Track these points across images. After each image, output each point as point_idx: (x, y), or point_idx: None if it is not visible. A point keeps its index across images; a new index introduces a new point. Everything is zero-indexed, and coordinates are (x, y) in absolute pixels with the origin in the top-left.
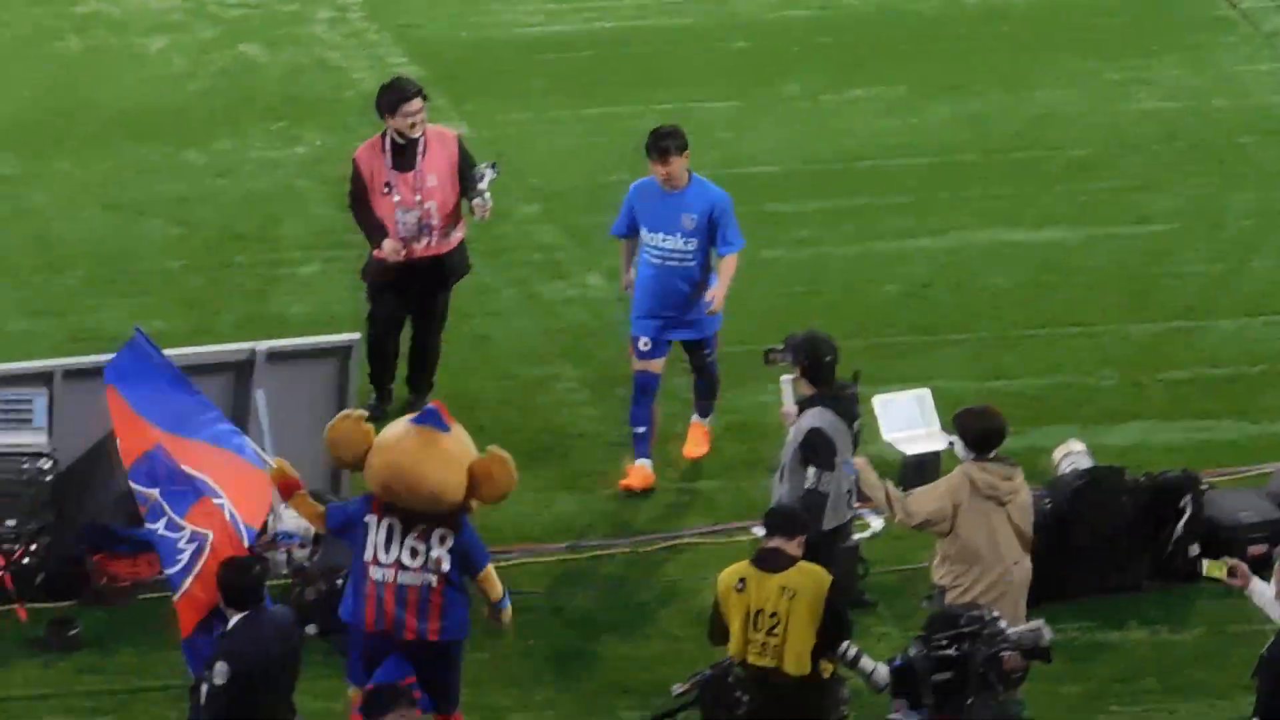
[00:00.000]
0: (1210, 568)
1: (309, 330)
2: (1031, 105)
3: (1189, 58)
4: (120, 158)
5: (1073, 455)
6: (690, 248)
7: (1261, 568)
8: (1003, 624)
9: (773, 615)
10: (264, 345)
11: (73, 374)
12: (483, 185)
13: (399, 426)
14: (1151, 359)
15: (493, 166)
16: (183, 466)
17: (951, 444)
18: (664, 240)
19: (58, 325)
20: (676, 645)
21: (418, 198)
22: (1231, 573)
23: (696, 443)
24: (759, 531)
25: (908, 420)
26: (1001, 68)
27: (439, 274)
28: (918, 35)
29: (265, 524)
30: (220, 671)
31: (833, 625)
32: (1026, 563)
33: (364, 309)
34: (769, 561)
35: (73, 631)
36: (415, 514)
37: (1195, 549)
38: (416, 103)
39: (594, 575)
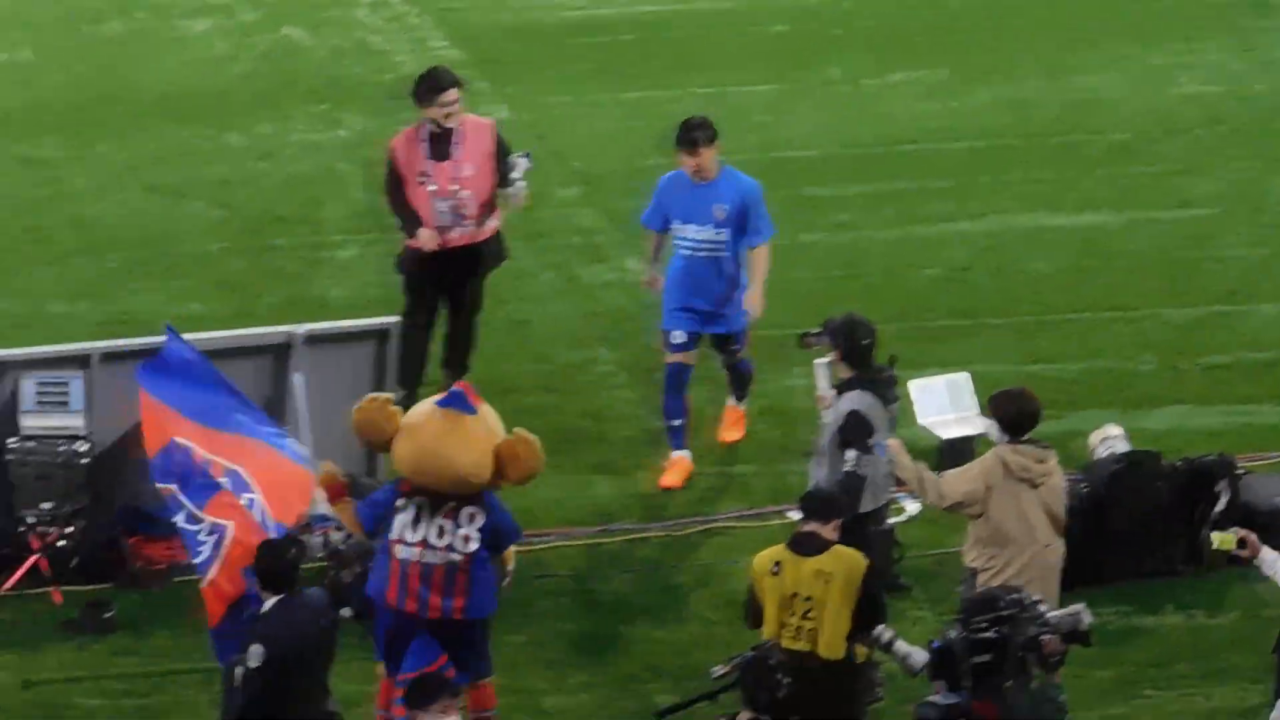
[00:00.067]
0: (1220, 540)
1: (348, 313)
2: (1073, 89)
3: (1231, 42)
4: (161, 140)
5: (1110, 440)
6: (722, 238)
7: None
8: (1043, 607)
9: (808, 599)
10: (303, 328)
11: (110, 357)
12: (516, 174)
13: (425, 409)
14: (1191, 343)
15: (527, 156)
16: (213, 457)
17: (988, 430)
18: (696, 231)
19: (96, 308)
20: (711, 629)
21: (453, 187)
22: (1241, 544)
23: (732, 426)
24: (794, 515)
25: (945, 404)
26: (1043, 51)
27: (474, 263)
28: (959, 19)
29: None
30: (255, 654)
31: (868, 609)
32: (1059, 545)
33: (402, 294)
34: (804, 545)
35: (108, 614)
36: (444, 494)
37: None
38: (452, 93)
39: (629, 558)
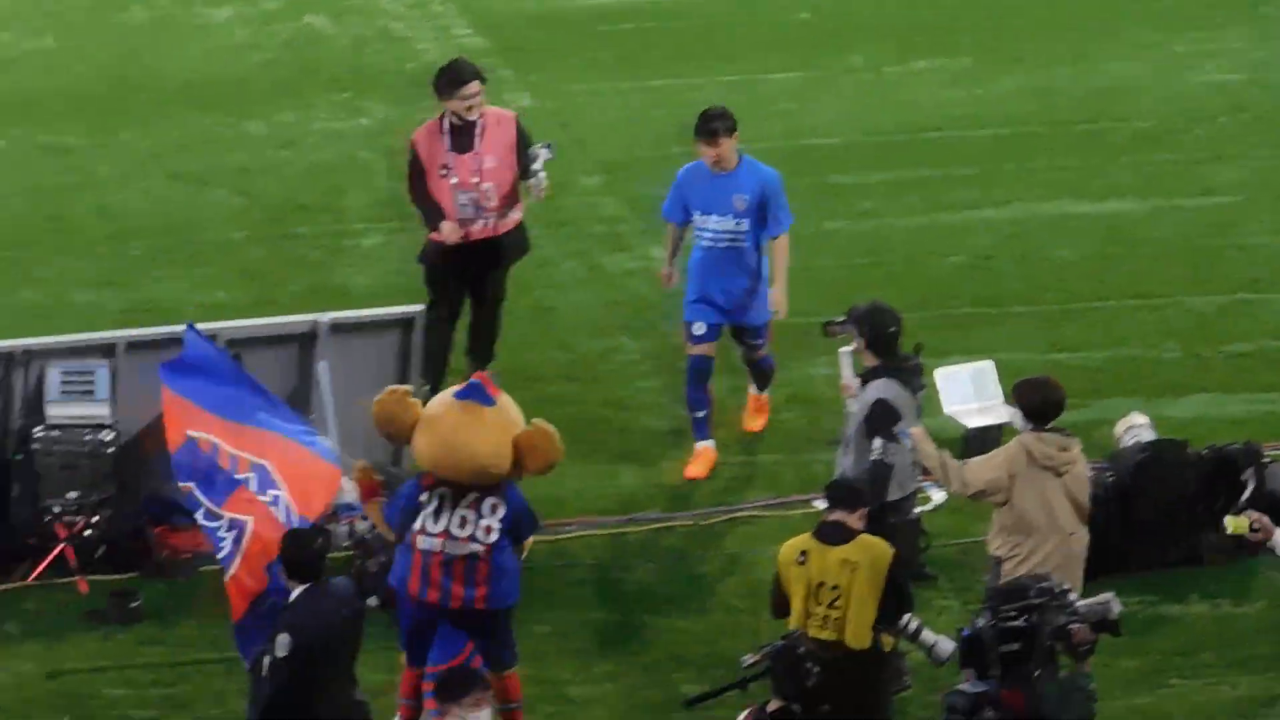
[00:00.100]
0: (1232, 525)
1: (372, 301)
2: (1097, 77)
3: (1255, 30)
4: (184, 128)
5: (1135, 428)
6: (742, 228)
7: None
8: (1072, 596)
9: (834, 588)
10: (327, 317)
11: (136, 346)
12: (537, 166)
13: (444, 401)
14: (1215, 331)
15: (548, 147)
16: (238, 452)
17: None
18: (716, 222)
19: (121, 296)
20: (736, 618)
21: (475, 179)
22: (1253, 528)
23: (754, 414)
24: (820, 504)
25: (970, 393)
26: (1067, 39)
27: (496, 255)
28: (983, 6)
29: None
30: (283, 643)
31: (894, 598)
32: (1083, 534)
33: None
34: (830, 534)
35: (134, 604)
36: (466, 485)
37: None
38: (474, 85)
39: (654, 548)
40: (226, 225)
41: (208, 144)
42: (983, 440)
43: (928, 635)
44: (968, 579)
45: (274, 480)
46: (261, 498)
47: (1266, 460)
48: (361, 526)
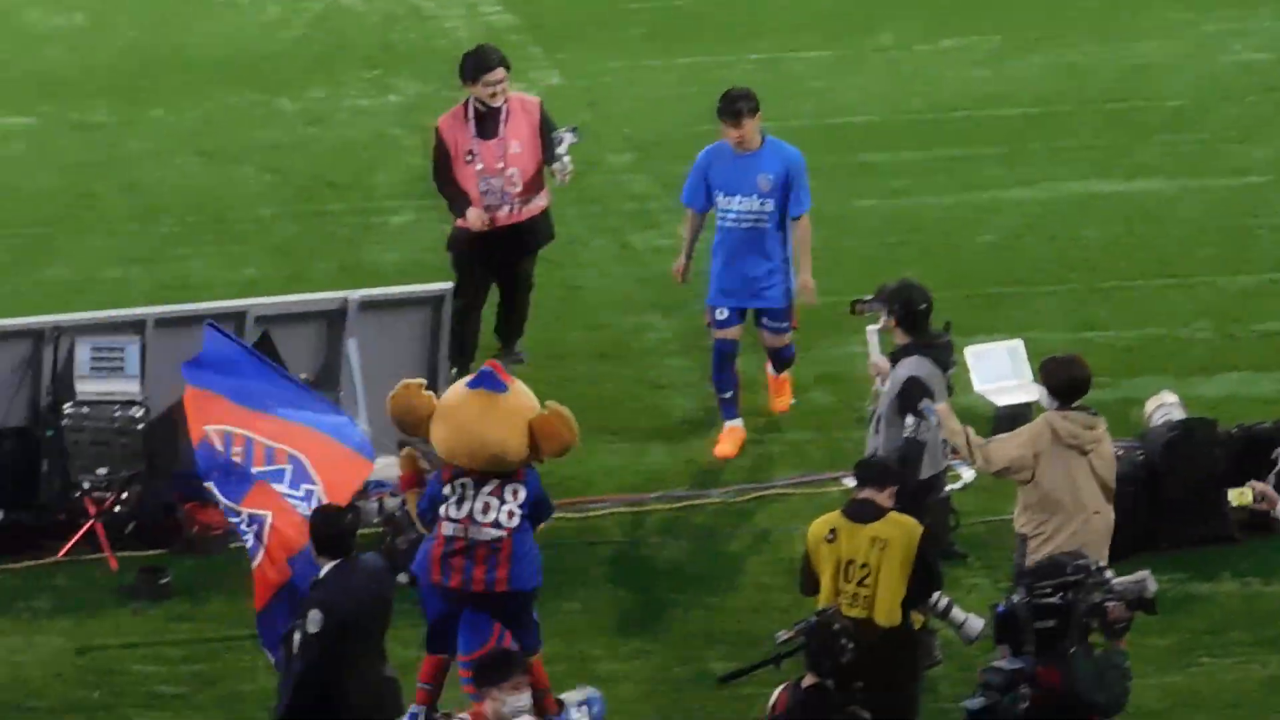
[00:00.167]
0: (1236, 497)
1: (401, 279)
2: (1127, 56)
3: None
4: (214, 105)
5: (1165, 407)
6: (767, 209)
7: None
8: (1108, 574)
9: (863, 566)
10: (357, 294)
11: (165, 322)
12: (562, 150)
13: (458, 391)
14: (1245, 310)
15: (573, 131)
16: (272, 443)
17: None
18: (740, 203)
19: (150, 273)
20: (766, 596)
21: (500, 165)
22: (1258, 498)
23: (779, 395)
24: (850, 482)
25: (1000, 372)
26: (1097, 18)
27: (523, 241)
28: None
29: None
30: (314, 619)
31: (924, 576)
32: (1108, 512)
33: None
34: (860, 512)
35: (163, 580)
36: (485, 472)
37: None
38: (499, 72)
39: (684, 525)
40: (256, 202)
41: (238, 121)
42: (1013, 419)
43: (957, 613)
44: (997, 557)
45: (309, 474)
46: (290, 492)
47: None
48: (391, 503)
